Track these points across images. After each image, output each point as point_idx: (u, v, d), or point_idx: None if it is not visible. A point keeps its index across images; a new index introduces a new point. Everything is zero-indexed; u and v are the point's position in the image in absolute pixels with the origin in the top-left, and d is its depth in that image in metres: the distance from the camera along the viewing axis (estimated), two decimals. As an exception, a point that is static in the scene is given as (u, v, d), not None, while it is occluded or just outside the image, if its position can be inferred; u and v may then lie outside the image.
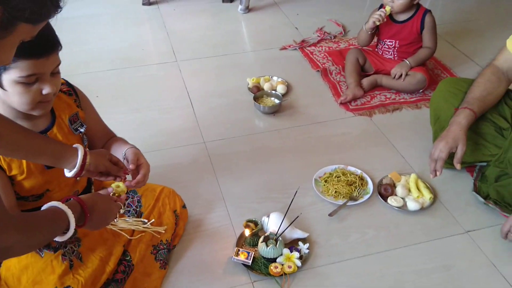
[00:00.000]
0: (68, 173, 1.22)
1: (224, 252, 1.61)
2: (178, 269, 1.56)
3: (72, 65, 2.52)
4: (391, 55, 2.45)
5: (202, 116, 2.29)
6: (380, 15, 2.28)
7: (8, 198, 1.22)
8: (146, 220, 1.55)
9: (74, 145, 1.23)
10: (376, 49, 2.52)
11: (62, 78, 1.31)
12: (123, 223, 1.51)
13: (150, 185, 1.67)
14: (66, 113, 1.36)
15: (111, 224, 1.47)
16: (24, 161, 1.23)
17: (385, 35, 2.41)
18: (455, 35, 2.93)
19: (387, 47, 2.44)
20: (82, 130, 1.39)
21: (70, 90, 1.40)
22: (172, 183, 1.88)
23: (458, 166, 1.71)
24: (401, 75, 2.35)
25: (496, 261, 1.59)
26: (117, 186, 1.29)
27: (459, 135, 1.68)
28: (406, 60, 2.37)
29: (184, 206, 1.71)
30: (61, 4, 0.84)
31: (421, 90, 2.39)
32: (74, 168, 1.20)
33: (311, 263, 1.58)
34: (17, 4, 0.76)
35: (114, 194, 1.28)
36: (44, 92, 1.17)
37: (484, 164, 1.86)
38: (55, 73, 1.20)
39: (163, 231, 1.55)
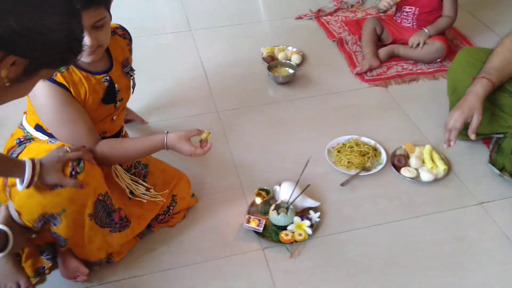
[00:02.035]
0: (20, 186, 1.21)
1: (235, 219, 1.63)
2: (191, 235, 1.59)
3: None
4: (409, 23, 2.39)
5: (215, 86, 2.28)
6: (389, 3, 2.25)
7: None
8: (150, 187, 1.57)
9: (22, 160, 1.21)
10: (394, 17, 2.47)
11: (116, 23, 1.48)
12: (126, 178, 1.54)
13: (170, 172, 1.66)
14: (120, 56, 1.47)
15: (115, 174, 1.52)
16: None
17: (405, 1, 2.35)
18: (475, 4, 2.85)
19: (406, 14, 2.38)
20: (132, 74, 1.51)
21: (125, 34, 1.53)
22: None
23: (473, 136, 1.68)
24: (418, 43, 2.30)
25: (509, 232, 1.58)
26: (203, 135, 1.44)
27: (475, 105, 1.65)
28: (425, 29, 2.31)
29: (193, 195, 1.69)
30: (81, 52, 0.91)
31: (439, 60, 2.34)
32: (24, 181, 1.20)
33: (321, 232, 1.58)
34: (42, 57, 0.84)
35: (201, 140, 1.44)
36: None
37: (501, 135, 1.82)
38: (98, 26, 1.25)
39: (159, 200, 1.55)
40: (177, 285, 1.44)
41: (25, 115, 1.48)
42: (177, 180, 1.64)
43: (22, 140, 1.43)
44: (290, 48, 2.49)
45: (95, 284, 1.45)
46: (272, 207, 1.59)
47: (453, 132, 1.67)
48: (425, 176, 1.74)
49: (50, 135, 1.40)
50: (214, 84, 2.30)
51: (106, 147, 1.39)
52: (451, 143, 1.69)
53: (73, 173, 1.25)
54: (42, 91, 1.29)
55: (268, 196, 1.64)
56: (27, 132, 1.44)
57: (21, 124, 1.47)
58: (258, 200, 1.63)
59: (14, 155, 1.37)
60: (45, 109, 1.33)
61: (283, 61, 2.37)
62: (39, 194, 1.24)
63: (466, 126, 1.69)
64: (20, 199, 1.27)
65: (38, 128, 1.42)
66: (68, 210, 1.28)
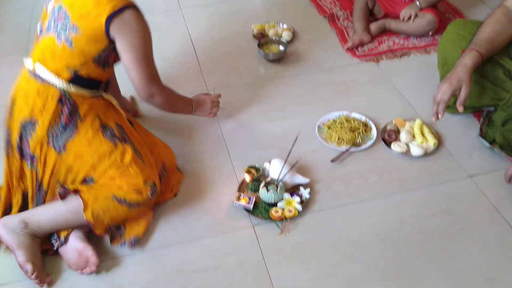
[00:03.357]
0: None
1: (226, 197, 1.63)
2: (180, 213, 1.59)
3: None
4: (401, -4, 2.37)
5: (205, 64, 2.26)
6: None
7: None
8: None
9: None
10: (386, -9, 2.43)
11: None
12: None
13: (153, 137, 1.73)
14: None
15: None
16: None
17: (397, -26, 2.32)
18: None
19: (397, -13, 2.35)
20: None
21: None
22: (175, 131, 1.89)
23: (460, 108, 1.67)
24: (410, 16, 2.27)
25: (499, 205, 1.58)
26: None
27: (463, 77, 1.63)
28: (416, 1, 2.28)
29: (178, 169, 1.72)
30: None
31: (430, 33, 2.31)
32: None
33: (312, 208, 1.59)
34: None
35: None
36: None
37: (492, 108, 1.82)
38: None
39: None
40: (167, 264, 1.45)
41: (41, 67, 1.43)
42: (162, 148, 1.69)
43: (63, 101, 1.44)
44: (280, 25, 2.46)
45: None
46: (262, 184, 1.59)
47: (441, 104, 1.66)
48: (415, 150, 1.74)
49: (90, 85, 1.48)
50: (204, 62, 2.28)
51: (168, 87, 1.62)
52: (439, 116, 1.68)
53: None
54: (141, 22, 1.44)
55: (258, 173, 1.64)
56: (63, 89, 1.44)
57: (41, 78, 1.43)
58: (248, 178, 1.62)
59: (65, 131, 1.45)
60: (142, 42, 1.45)
61: (274, 38, 2.34)
62: None
63: (455, 99, 1.68)
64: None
65: (76, 79, 1.44)
66: None
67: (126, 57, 1.45)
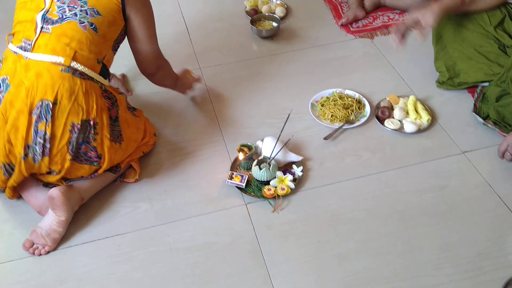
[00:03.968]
0: None
1: (218, 176, 1.63)
2: (173, 192, 1.59)
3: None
4: (396, -29, 2.32)
5: (198, 42, 2.23)
6: None
7: None
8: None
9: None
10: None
11: None
12: None
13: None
14: None
15: None
16: None
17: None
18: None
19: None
20: None
21: None
22: (167, 110, 1.88)
23: (421, 37, 1.67)
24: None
25: (491, 180, 1.58)
26: None
27: (433, 8, 1.63)
28: (411, -23, 2.24)
29: (155, 134, 1.74)
30: None
31: (425, 9, 2.28)
32: None
33: (304, 185, 1.59)
34: None
35: None
36: None
37: (486, 84, 1.80)
38: None
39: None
40: (160, 243, 1.45)
41: (70, 61, 1.35)
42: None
43: (105, 95, 1.45)
44: (274, 0, 2.42)
45: (73, 245, 1.46)
46: (255, 162, 1.59)
47: (396, 33, 1.69)
48: (409, 127, 1.73)
49: (106, 74, 1.49)
50: (196, 40, 2.25)
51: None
52: (396, 45, 1.73)
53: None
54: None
55: (251, 151, 1.63)
56: (100, 83, 1.44)
57: (78, 73, 1.36)
58: (241, 156, 1.62)
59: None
60: (152, 17, 1.56)
61: (267, 14, 2.31)
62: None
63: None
64: None
65: (103, 69, 1.46)
66: None
67: (142, 33, 1.52)
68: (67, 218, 1.43)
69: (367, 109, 1.83)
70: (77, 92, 1.35)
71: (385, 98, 1.85)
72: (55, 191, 1.40)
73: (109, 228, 1.49)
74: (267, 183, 1.57)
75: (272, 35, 2.23)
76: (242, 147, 1.64)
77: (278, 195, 1.54)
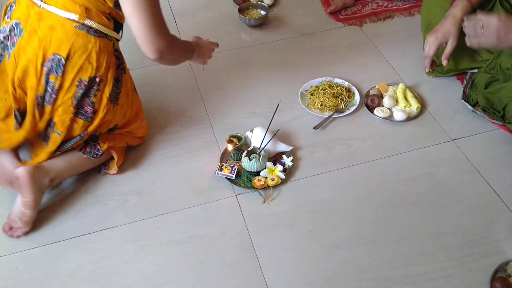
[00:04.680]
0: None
1: (208, 167, 1.61)
2: (163, 184, 1.57)
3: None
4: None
5: (185, 31, 2.20)
6: None
7: None
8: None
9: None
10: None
11: None
12: None
13: None
14: None
15: None
16: None
17: None
18: None
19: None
20: None
21: None
22: (157, 100, 1.86)
23: (445, 62, 1.71)
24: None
25: (480, 167, 1.59)
26: None
27: (450, 29, 1.63)
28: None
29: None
30: None
31: (414, -5, 2.27)
32: None
33: (294, 176, 1.58)
34: None
35: None
36: None
37: (475, 70, 1.80)
38: None
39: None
40: (151, 236, 1.44)
41: (88, 20, 1.33)
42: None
43: (117, 54, 1.45)
44: (262, -12, 2.39)
45: (62, 240, 1.45)
46: (244, 153, 1.58)
47: (426, 59, 1.72)
48: (398, 115, 1.73)
49: (120, 29, 1.46)
50: (183, 29, 2.22)
51: (175, 38, 1.46)
52: (426, 69, 1.78)
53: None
54: None
55: (240, 142, 1.62)
56: (113, 41, 1.42)
57: (92, 30, 1.34)
58: (230, 147, 1.61)
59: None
60: None
61: (255, 2, 2.28)
62: None
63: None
64: None
65: (116, 24, 1.42)
66: None
67: (125, 2, 1.27)
68: (33, 199, 1.40)
69: (357, 97, 1.82)
70: (90, 50, 1.35)
71: (375, 86, 1.84)
72: (20, 171, 1.38)
73: (98, 222, 1.48)
74: (257, 174, 1.56)
75: (261, 24, 2.21)
76: (231, 138, 1.63)
77: (268, 186, 1.53)
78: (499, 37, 1.42)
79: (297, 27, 2.20)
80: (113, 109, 1.48)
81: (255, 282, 1.33)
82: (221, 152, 1.65)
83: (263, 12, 2.24)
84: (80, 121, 1.43)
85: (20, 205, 1.40)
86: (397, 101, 1.79)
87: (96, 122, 1.45)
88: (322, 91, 1.82)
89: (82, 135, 1.46)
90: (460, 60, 1.80)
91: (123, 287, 1.33)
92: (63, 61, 1.33)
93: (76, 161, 1.51)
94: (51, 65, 1.34)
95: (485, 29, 1.43)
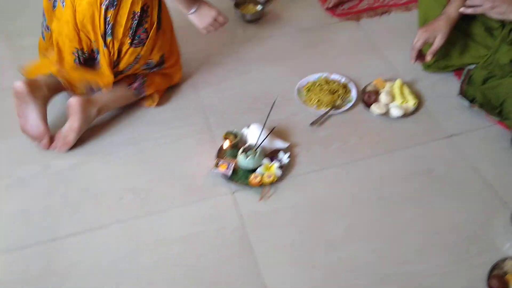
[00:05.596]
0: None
1: (204, 164, 1.60)
2: (159, 182, 1.56)
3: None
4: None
5: (180, 27, 2.17)
6: None
7: None
8: None
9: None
10: None
11: None
12: None
13: None
14: None
15: None
16: None
17: None
18: None
19: None
20: None
21: None
22: (150, 97, 1.84)
23: (428, 57, 1.71)
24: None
25: (477, 164, 1.59)
26: None
27: (441, 26, 1.65)
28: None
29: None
30: None
31: (412, -10, 2.26)
32: None
33: (291, 172, 1.58)
34: None
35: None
36: None
37: (473, 66, 1.79)
38: None
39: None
40: (147, 233, 1.43)
41: None
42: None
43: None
44: (258, -17, 2.37)
45: (58, 238, 1.44)
46: (240, 150, 1.57)
47: (412, 51, 1.71)
48: (395, 111, 1.72)
49: None
50: (178, 25, 2.18)
51: None
52: (411, 61, 1.75)
53: None
54: None
55: (236, 139, 1.61)
56: None
57: None
58: (226, 144, 1.60)
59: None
60: None
61: (251, -3, 2.26)
62: None
63: (437, 58, 1.67)
64: None
65: None
66: None
67: None
68: (79, 125, 1.61)
69: (353, 93, 1.81)
70: None
71: (371, 83, 1.83)
72: (73, 100, 1.60)
73: (94, 219, 1.47)
74: (253, 171, 1.56)
75: (257, 19, 2.19)
76: (227, 135, 1.62)
77: (265, 183, 1.52)
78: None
79: (293, 22, 2.19)
80: (159, 33, 1.63)
81: (252, 280, 1.32)
82: (218, 149, 1.64)
83: (259, 7, 2.22)
84: (138, 49, 1.60)
85: (68, 128, 1.62)
86: (394, 97, 1.78)
87: (147, 45, 1.60)
88: (319, 87, 1.81)
89: (137, 58, 1.62)
90: (457, 57, 1.79)
91: (119, 285, 1.32)
92: None
93: (120, 95, 1.70)
94: (108, 2, 1.49)
95: None
